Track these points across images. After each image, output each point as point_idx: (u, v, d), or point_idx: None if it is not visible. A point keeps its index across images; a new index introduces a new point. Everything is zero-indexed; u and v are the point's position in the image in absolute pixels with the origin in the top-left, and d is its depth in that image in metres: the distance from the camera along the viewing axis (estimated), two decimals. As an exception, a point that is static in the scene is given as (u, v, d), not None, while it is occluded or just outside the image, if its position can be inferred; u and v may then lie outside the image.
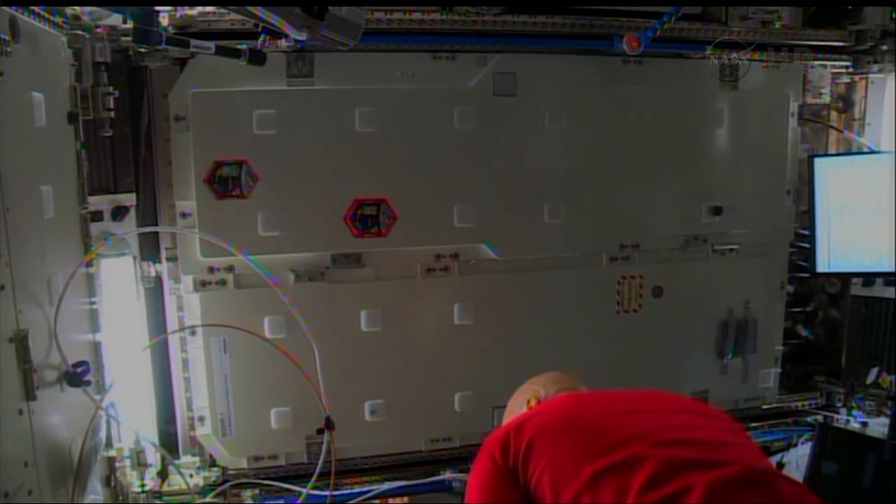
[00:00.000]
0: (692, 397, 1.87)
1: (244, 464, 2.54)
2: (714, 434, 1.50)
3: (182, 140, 2.37)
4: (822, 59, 2.90)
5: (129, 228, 2.33)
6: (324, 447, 2.31)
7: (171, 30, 2.22)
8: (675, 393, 1.76)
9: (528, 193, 2.65)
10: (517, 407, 1.85)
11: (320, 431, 2.29)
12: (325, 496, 2.36)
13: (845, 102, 3.08)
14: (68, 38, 2.08)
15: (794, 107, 2.91)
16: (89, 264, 2.15)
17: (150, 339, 2.35)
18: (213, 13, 2.27)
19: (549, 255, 2.72)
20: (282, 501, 2.45)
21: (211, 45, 2.00)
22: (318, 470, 2.31)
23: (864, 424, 2.96)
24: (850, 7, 2.86)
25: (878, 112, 2.98)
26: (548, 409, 1.66)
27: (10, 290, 1.53)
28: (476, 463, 1.57)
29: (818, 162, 2.81)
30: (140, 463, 2.28)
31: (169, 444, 2.51)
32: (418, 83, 2.52)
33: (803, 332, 3.19)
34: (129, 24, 2.00)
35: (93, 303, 2.20)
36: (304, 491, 2.35)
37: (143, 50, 2.19)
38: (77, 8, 2.10)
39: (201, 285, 2.44)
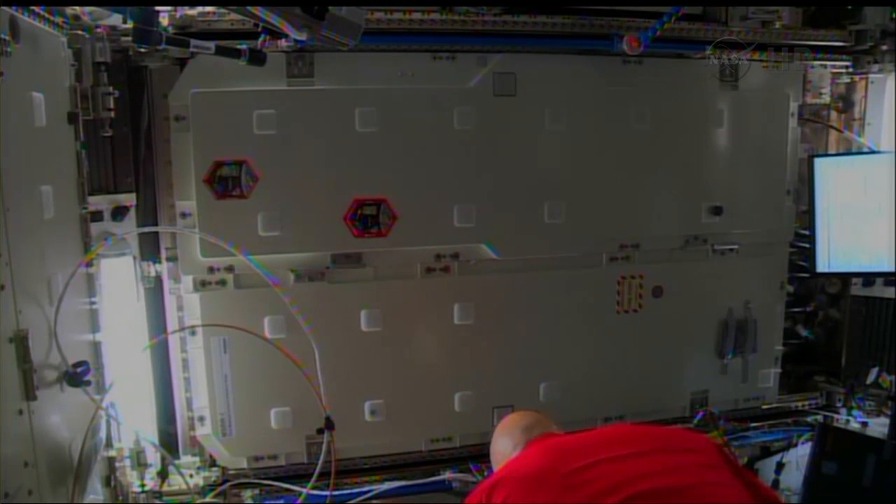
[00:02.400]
0: (673, 427, 1.86)
1: (244, 464, 2.54)
2: (686, 476, 1.51)
3: (182, 140, 2.37)
4: (822, 59, 2.90)
5: (129, 228, 2.33)
6: (324, 447, 2.31)
7: (171, 30, 2.22)
8: (652, 426, 1.77)
9: (528, 193, 2.65)
10: (503, 452, 1.87)
11: (320, 431, 2.29)
12: (325, 496, 2.36)
13: (845, 102, 3.08)
14: (68, 38, 2.08)
15: (794, 107, 2.91)
16: (89, 264, 2.15)
17: (150, 339, 2.35)
18: (213, 13, 2.27)
19: (549, 255, 2.71)
20: (282, 501, 2.45)
21: (211, 45, 2.00)
22: (318, 470, 2.31)
23: (864, 424, 2.96)
24: (850, 7, 2.86)
25: (878, 112, 2.99)
26: (519, 465, 1.67)
27: (10, 290, 1.53)
28: None
29: (818, 162, 2.81)
30: (140, 463, 2.28)
31: (169, 444, 2.51)
32: (418, 83, 2.52)
33: (803, 332, 3.19)
34: (129, 24, 2.00)
35: (93, 303, 2.20)
36: (304, 491, 2.35)
37: (143, 50, 2.19)
38: (77, 8, 2.11)
39: (201, 285, 2.44)
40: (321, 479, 2.33)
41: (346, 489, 2.49)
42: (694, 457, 1.61)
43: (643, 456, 1.58)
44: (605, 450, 1.59)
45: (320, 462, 2.32)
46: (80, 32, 2.11)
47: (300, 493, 2.37)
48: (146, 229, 2.36)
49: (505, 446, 1.88)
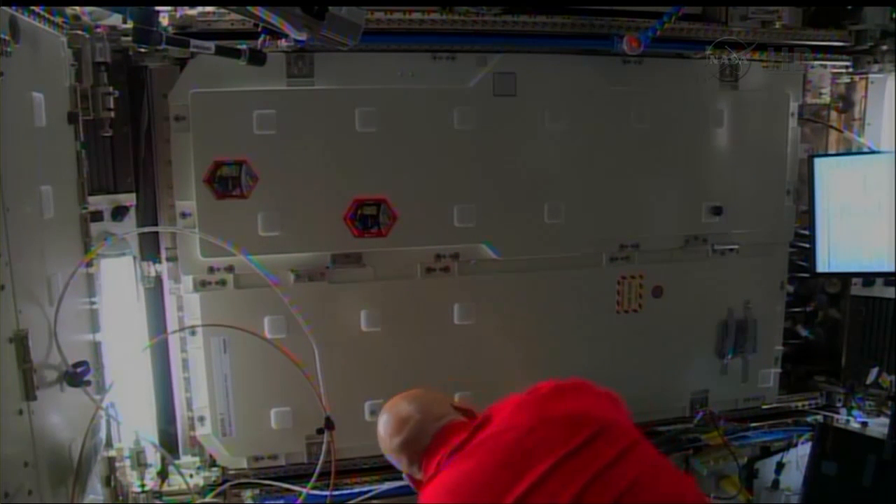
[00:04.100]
0: (560, 394, 1.71)
1: (244, 464, 2.54)
2: (613, 488, 1.47)
3: (182, 140, 2.36)
4: (822, 59, 2.89)
5: (129, 228, 2.33)
6: (324, 447, 2.30)
7: (171, 30, 2.22)
8: (541, 398, 1.70)
9: (528, 193, 2.65)
10: (396, 460, 1.81)
11: (320, 431, 2.29)
12: (325, 496, 2.36)
13: (845, 102, 3.08)
14: (68, 38, 2.08)
15: (794, 107, 2.91)
16: (89, 264, 2.15)
17: (150, 339, 2.35)
18: (213, 13, 2.26)
19: (549, 255, 2.71)
20: (282, 501, 2.45)
21: (211, 45, 2.00)
22: (318, 470, 2.31)
23: (864, 424, 2.96)
24: (850, 7, 2.86)
25: (878, 112, 2.98)
26: None
27: (10, 290, 1.53)
28: None
29: (818, 162, 2.81)
30: (140, 463, 2.29)
31: (169, 444, 2.51)
32: (418, 83, 2.52)
33: (803, 332, 3.18)
34: (129, 24, 2.00)
35: (93, 303, 2.20)
36: (304, 491, 2.35)
37: (143, 50, 2.19)
38: (77, 8, 2.10)
39: (201, 285, 2.44)
40: (321, 479, 2.32)
41: (347, 489, 2.49)
42: (609, 448, 1.54)
43: (563, 468, 1.50)
44: (518, 479, 1.49)
45: (320, 462, 2.32)
46: (80, 32, 2.10)
47: (300, 494, 2.37)
48: (146, 229, 2.36)
49: (395, 452, 1.80)
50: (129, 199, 2.36)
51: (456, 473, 1.60)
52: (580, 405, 1.68)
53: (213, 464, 2.53)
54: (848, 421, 2.99)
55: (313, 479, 2.32)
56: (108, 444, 2.21)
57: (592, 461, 1.51)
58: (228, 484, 2.48)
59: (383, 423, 1.86)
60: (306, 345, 2.22)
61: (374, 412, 2.58)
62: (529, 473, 1.49)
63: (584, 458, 1.52)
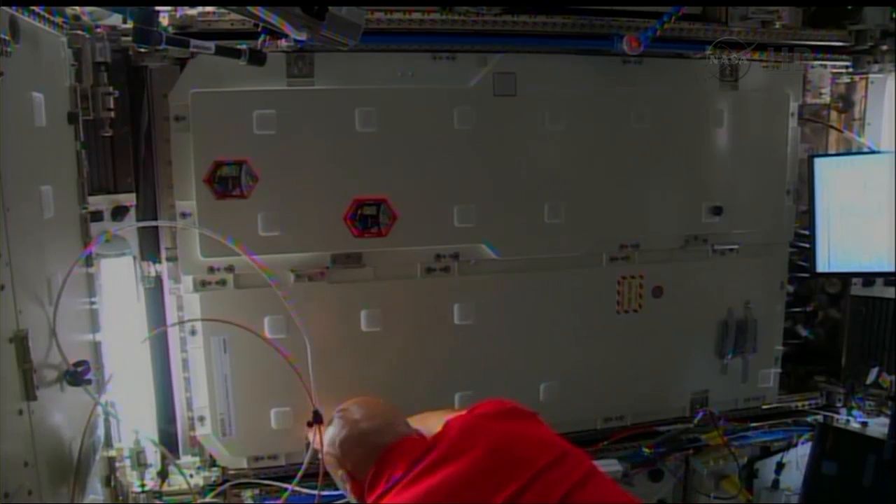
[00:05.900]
0: (495, 417, 1.82)
1: (244, 464, 2.54)
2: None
3: (182, 140, 2.36)
4: (822, 59, 2.89)
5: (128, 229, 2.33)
6: (311, 442, 2.27)
7: (171, 30, 2.22)
8: (483, 416, 1.78)
9: (528, 193, 2.65)
10: (352, 450, 1.87)
11: (310, 425, 2.26)
12: (314, 497, 2.34)
13: (845, 102, 3.08)
14: (68, 38, 2.08)
15: (794, 107, 2.91)
16: (90, 264, 2.15)
17: (150, 330, 2.35)
18: (213, 13, 2.26)
19: (549, 255, 2.71)
20: (281, 502, 2.45)
21: (211, 45, 2.00)
22: (304, 467, 2.28)
23: (864, 424, 2.96)
24: (850, 7, 2.86)
25: (878, 112, 2.98)
26: None
27: (10, 290, 1.53)
28: None
29: (818, 162, 2.81)
30: (140, 463, 2.28)
31: (169, 444, 2.51)
32: (418, 83, 2.52)
33: (803, 332, 3.19)
34: (129, 24, 2.00)
35: (93, 303, 2.20)
36: (290, 488, 2.32)
37: (143, 50, 2.18)
38: (77, 8, 2.10)
39: (201, 285, 2.44)
40: (315, 478, 2.31)
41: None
42: (576, 468, 1.64)
43: (540, 481, 1.56)
44: (502, 487, 1.55)
45: (306, 459, 2.29)
46: (80, 32, 2.10)
47: (283, 492, 2.34)
48: (144, 223, 2.36)
49: (350, 445, 1.86)
50: (129, 199, 2.36)
51: (429, 483, 1.63)
52: (534, 430, 1.80)
53: (213, 464, 2.53)
54: (848, 421, 3.00)
55: (299, 476, 2.29)
56: (108, 444, 2.21)
57: (565, 478, 1.60)
58: (228, 484, 2.48)
59: (341, 419, 1.97)
60: (306, 345, 2.22)
61: (374, 412, 2.58)
62: (511, 483, 1.55)
63: (558, 474, 1.60)
